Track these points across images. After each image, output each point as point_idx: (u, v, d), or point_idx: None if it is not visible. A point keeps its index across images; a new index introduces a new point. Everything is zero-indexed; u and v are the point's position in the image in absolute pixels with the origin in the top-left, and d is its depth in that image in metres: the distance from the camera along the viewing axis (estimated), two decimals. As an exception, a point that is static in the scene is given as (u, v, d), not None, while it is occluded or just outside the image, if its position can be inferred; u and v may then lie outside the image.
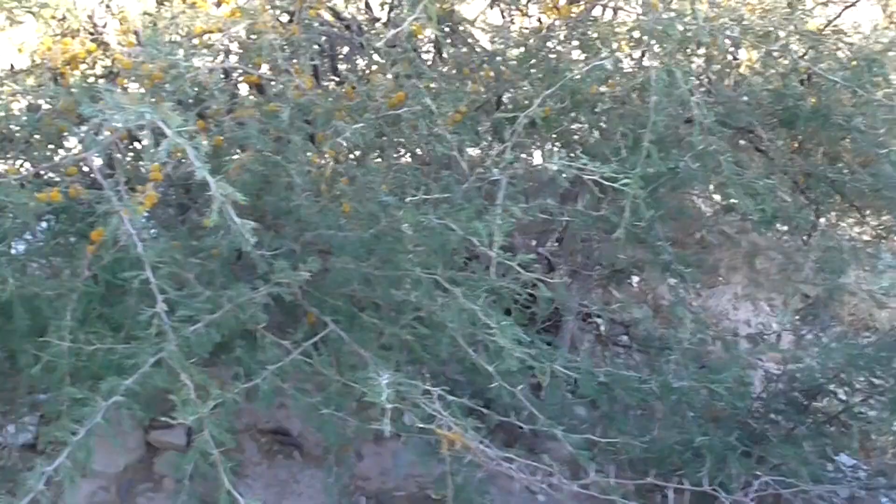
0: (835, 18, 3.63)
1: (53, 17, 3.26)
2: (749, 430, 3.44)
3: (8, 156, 2.87)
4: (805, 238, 3.99)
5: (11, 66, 3.46)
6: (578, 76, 2.81)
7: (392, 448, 3.89)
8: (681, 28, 2.86)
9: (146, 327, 2.49)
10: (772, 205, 3.19)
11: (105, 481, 3.68)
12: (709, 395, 2.99)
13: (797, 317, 4.72)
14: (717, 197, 4.23)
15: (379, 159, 3.05)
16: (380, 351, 2.68)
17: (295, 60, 3.00)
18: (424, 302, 2.60)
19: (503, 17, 3.66)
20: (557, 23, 3.51)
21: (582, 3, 3.45)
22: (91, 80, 3.29)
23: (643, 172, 2.72)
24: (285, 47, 2.89)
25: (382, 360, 2.66)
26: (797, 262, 4.18)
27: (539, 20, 3.62)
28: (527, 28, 3.60)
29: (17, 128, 2.84)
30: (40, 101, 2.88)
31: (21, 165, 2.76)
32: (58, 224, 3.05)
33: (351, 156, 3.08)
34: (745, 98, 3.37)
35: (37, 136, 2.83)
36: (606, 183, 2.48)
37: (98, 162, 2.74)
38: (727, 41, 3.16)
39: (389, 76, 2.95)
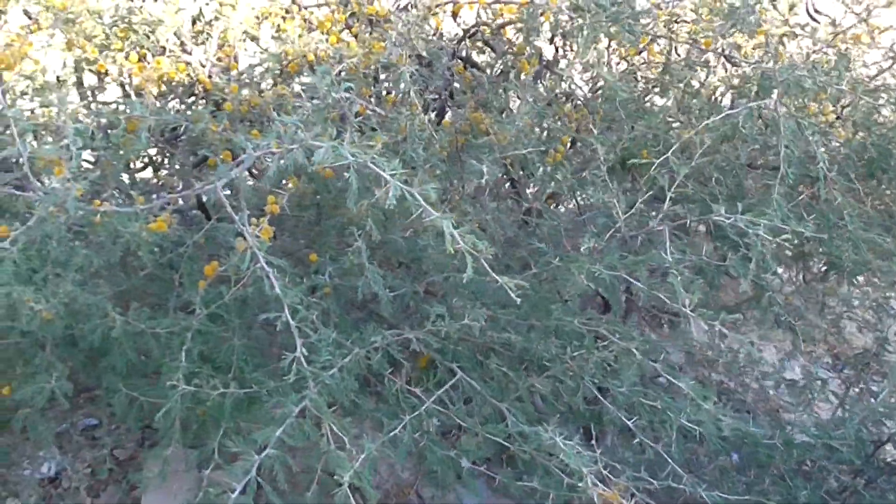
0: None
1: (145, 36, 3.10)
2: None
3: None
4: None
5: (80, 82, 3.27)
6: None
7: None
8: (811, 80, 2.82)
9: (284, 373, 2.33)
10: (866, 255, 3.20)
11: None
12: (826, 450, 2.94)
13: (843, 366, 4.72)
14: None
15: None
16: (515, 402, 2.56)
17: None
18: (573, 353, 2.50)
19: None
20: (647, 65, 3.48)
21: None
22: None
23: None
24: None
25: (519, 412, 2.54)
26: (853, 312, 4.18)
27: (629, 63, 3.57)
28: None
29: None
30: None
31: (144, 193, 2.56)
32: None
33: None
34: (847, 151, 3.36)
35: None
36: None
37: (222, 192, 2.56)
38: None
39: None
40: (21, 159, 2.30)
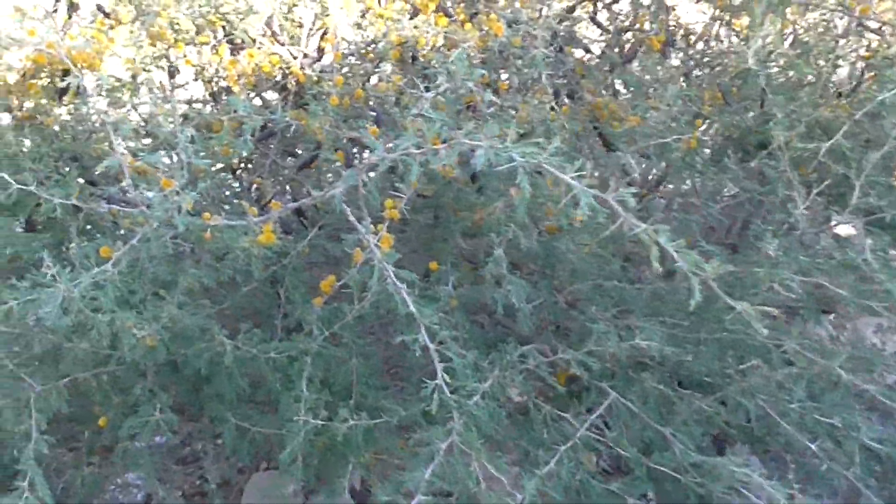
0: None
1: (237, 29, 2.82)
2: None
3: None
4: None
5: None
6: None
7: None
8: None
9: (425, 402, 2.03)
10: None
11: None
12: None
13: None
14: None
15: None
16: (682, 427, 2.24)
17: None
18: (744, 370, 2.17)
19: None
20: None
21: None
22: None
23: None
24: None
25: (687, 438, 2.22)
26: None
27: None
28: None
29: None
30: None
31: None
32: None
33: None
34: None
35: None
36: None
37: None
38: None
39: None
40: (122, 170, 2.03)
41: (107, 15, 2.88)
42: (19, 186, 2.05)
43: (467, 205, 2.57)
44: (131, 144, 2.54)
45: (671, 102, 2.40)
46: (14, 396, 2.32)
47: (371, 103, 2.72)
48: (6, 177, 2.05)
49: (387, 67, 2.45)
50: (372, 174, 2.28)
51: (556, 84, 2.60)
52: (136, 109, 2.89)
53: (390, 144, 1.92)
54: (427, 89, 2.38)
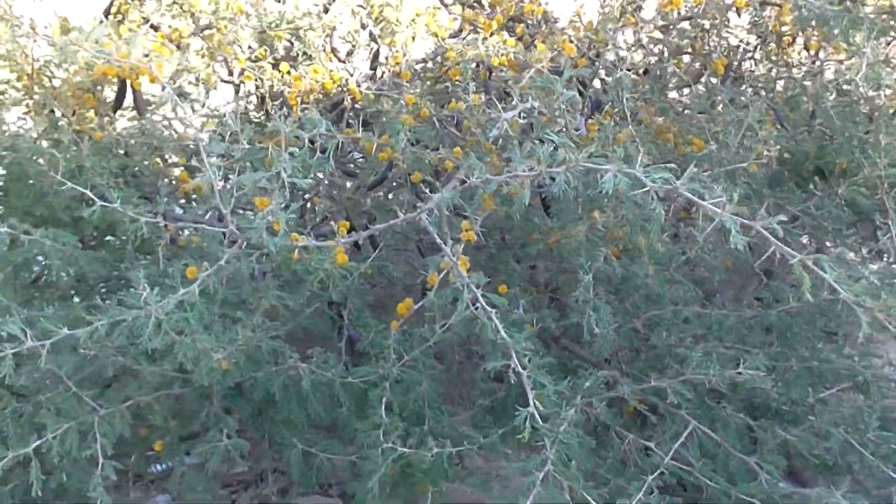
0: None
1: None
2: None
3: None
4: None
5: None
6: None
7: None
8: None
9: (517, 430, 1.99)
10: None
11: None
12: None
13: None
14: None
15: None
16: (766, 456, 2.20)
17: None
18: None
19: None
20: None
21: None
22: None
23: None
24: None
25: (773, 468, 2.18)
26: None
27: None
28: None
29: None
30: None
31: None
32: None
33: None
34: None
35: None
36: None
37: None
38: None
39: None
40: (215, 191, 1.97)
41: (155, 28, 2.83)
42: (103, 204, 1.98)
43: (539, 228, 2.53)
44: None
45: (755, 126, 2.37)
46: (78, 420, 2.25)
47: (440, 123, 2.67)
48: (90, 193, 1.99)
49: (469, 86, 2.38)
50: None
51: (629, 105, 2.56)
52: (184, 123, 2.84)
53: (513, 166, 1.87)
54: (504, 109, 2.35)
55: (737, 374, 1.95)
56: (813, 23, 2.20)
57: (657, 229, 1.63)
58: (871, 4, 2.12)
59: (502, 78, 2.54)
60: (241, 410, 2.45)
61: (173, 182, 2.73)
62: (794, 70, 3.15)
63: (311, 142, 2.62)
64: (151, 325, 1.83)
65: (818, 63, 3.21)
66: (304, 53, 2.80)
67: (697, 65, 2.88)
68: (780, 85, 3.22)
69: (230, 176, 2.01)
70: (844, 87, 2.59)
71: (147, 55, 2.26)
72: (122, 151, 2.71)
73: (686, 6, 2.82)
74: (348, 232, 2.21)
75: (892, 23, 2.06)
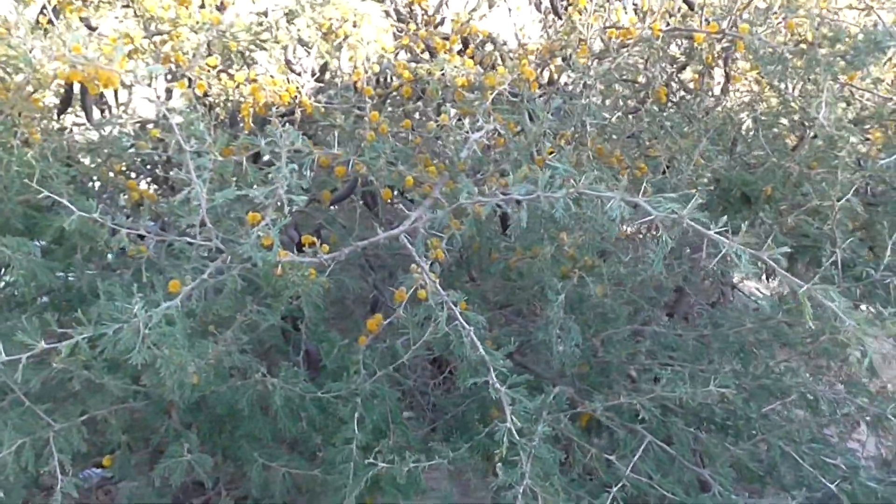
0: None
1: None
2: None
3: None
4: None
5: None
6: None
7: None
8: None
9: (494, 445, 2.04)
10: None
11: None
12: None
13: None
14: None
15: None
16: (721, 468, 2.32)
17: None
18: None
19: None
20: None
21: None
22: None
23: None
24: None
25: (725, 481, 2.31)
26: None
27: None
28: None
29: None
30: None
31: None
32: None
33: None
34: None
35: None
36: None
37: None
38: None
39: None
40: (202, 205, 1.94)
41: (92, 29, 2.77)
42: (81, 214, 1.93)
43: (497, 248, 2.59)
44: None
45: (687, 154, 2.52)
46: (33, 435, 2.17)
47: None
48: (66, 202, 1.93)
49: (442, 105, 2.42)
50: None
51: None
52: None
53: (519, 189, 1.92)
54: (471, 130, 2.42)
55: (707, 391, 2.05)
56: (763, 60, 2.33)
57: (659, 262, 1.69)
58: (826, 48, 2.26)
59: (467, 100, 2.58)
60: (199, 425, 2.41)
61: (123, 191, 2.66)
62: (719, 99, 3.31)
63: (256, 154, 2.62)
64: (141, 338, 1.80)
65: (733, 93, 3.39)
66: (247, 64, 2.79)
67: (641, 93, 2.99)
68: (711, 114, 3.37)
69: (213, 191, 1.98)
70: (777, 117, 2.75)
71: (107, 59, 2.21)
72: (67, 157, 2.62)
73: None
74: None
75: (841, 64, 2.21)
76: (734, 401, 2.23)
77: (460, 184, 2.09)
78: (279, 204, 1.87)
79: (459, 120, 2.51)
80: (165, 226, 2.56)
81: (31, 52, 2.07)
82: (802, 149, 2.88)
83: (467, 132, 2.40)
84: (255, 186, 2.22)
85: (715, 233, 1.58)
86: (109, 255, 2.70)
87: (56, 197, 1.93)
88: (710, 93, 3.30)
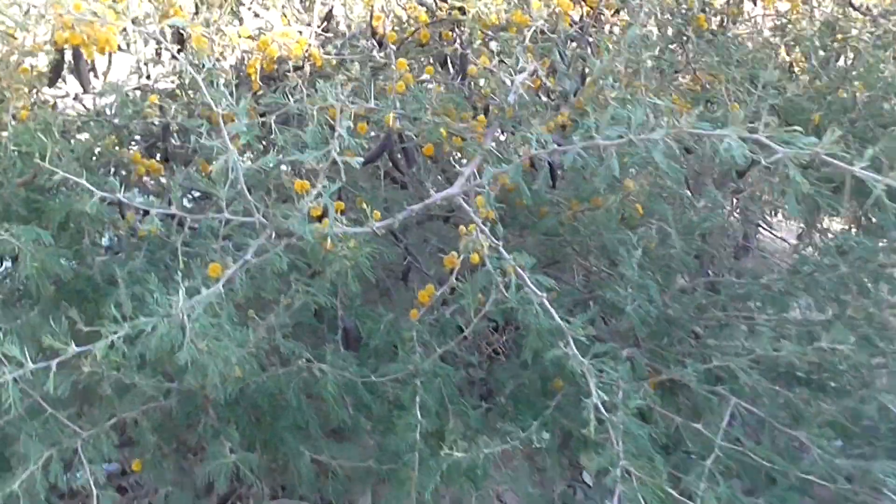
0: None
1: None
2: None
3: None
4: None
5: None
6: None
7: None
8: None
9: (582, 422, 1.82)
10: None
11: None
12: None
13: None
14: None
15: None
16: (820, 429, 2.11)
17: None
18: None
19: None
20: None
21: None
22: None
23: None
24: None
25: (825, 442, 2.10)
26: None
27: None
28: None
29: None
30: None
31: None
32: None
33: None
34: None
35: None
36: None
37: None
38: None
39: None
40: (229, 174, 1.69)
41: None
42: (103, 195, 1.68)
43: (548, 202, 2.37)
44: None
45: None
46: (59, 445, 1.94)
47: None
48: (86, 183, 1.67)
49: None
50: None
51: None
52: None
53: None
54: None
55: (820, 348, 1.84)
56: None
57: (794, 196, 1.46)
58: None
59: (502, 38, 2.33)
60: (237, 419, 2.17)
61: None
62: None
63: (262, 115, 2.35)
64: (184, 333, 1.56)
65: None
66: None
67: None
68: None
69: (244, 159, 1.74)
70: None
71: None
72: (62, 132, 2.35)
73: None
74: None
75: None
76: (850, 355, 1.99)
77: (524, 132, 1.84)
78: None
79: (501, 62, 2.27)
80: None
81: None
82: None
83: (511, 73, 2.16)
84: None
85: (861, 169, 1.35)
86: (104, 240, 2.47)
87: (73, 177, 1.67)
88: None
